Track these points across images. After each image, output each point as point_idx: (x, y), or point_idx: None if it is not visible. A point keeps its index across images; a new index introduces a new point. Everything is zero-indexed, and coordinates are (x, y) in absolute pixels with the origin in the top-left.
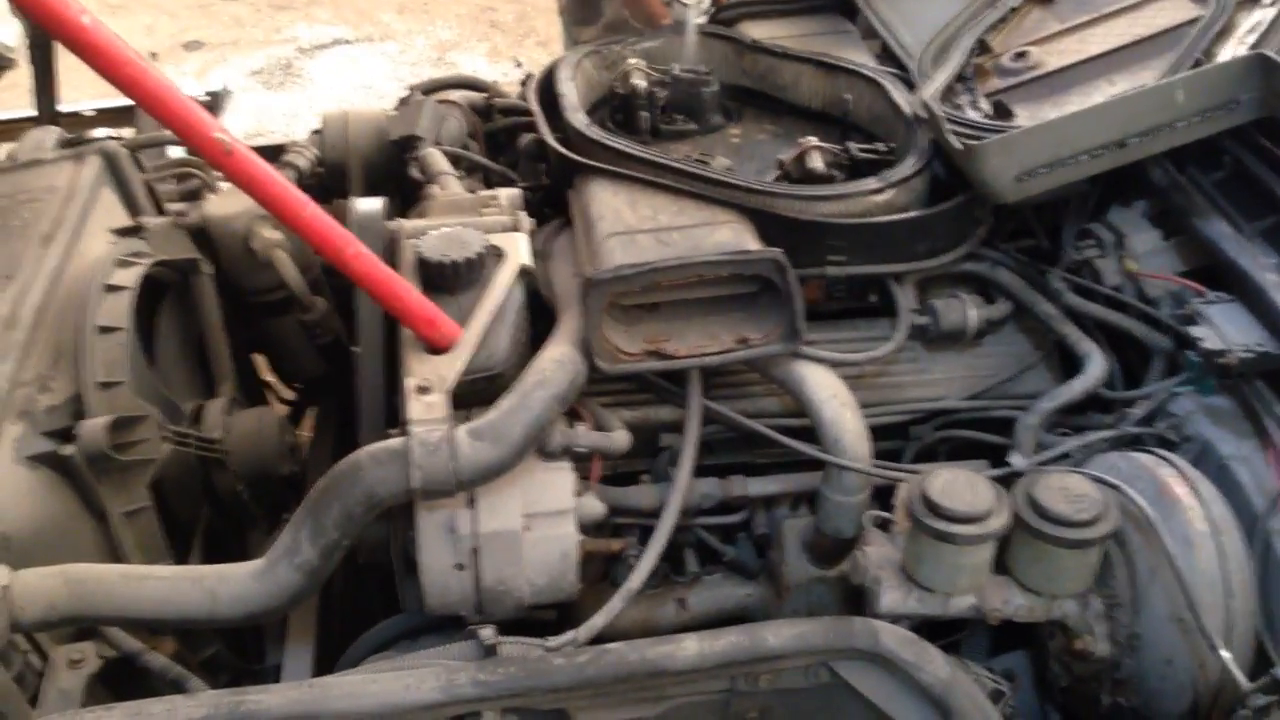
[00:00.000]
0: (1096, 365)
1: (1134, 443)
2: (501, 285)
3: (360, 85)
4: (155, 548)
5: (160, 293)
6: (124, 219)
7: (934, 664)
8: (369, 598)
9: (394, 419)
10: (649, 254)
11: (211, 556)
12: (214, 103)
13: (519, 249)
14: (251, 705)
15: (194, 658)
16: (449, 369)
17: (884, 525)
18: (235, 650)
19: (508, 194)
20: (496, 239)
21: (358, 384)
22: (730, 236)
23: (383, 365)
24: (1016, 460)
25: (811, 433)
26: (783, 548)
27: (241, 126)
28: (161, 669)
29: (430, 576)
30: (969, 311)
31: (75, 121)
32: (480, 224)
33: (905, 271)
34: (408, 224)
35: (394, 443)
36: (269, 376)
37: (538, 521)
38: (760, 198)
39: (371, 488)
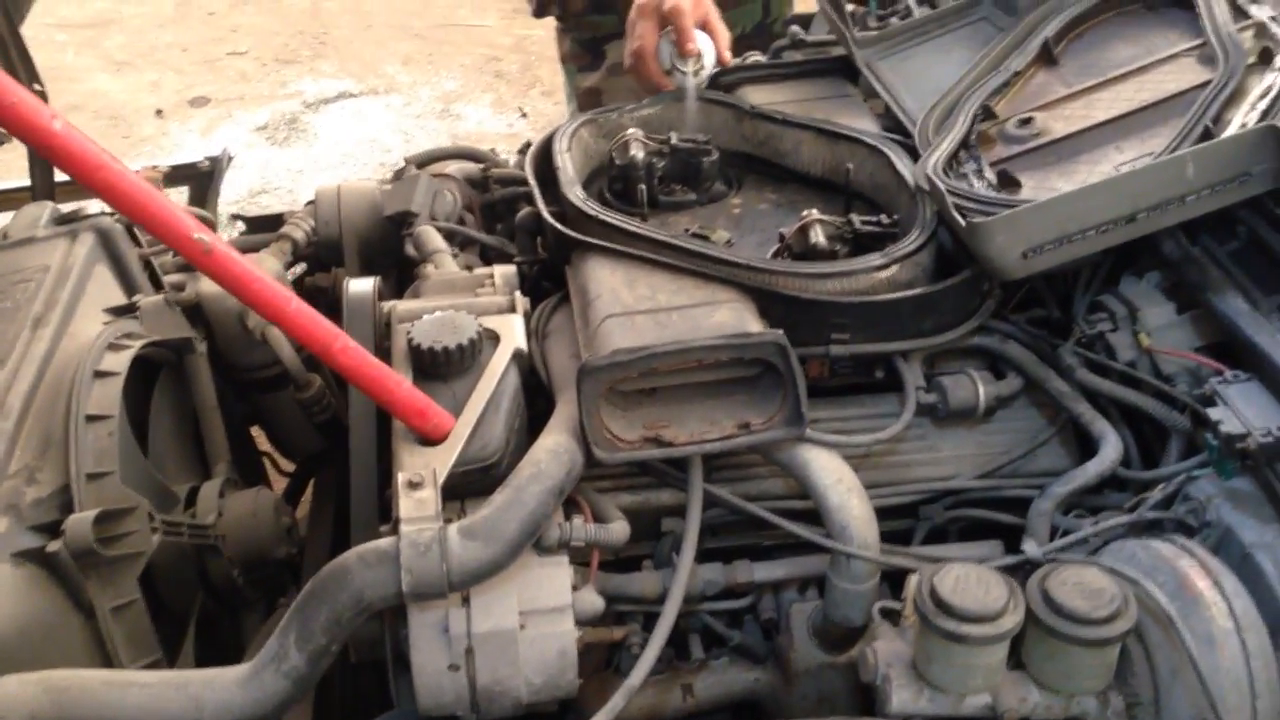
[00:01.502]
0: (1111, 447)
1: (1151, 527)
2: (495, 372)
3: (365, 139)
4: (145, 642)
5: (154, 372)
6: (119, 296)
7: None
8: (365, 691)
9: (387, 512)
10: (647, 336)
11: (205, 643)
12: (214, 168)
13: (514, 332)
14: None
15: None
16: (441, 462)
17: (893, 616)
18: None
19: (502, 272)
20: (491, 322)
21: (350, 477)
22: (730, 317)
23: (375, 458)
24: (1030, 549)
25: (817, 516)
26: (791, 634)
27: (246, 183)
28: None
29: (423, 677)
30: (979, 389)
31: (70, 190)
32: (475, 305)
33: (911, 349)
34: (400, 306)
35: (383, 543)
36: (267, 448)
37: (534, 619)
38: (761, 275)
39: (360, 591)
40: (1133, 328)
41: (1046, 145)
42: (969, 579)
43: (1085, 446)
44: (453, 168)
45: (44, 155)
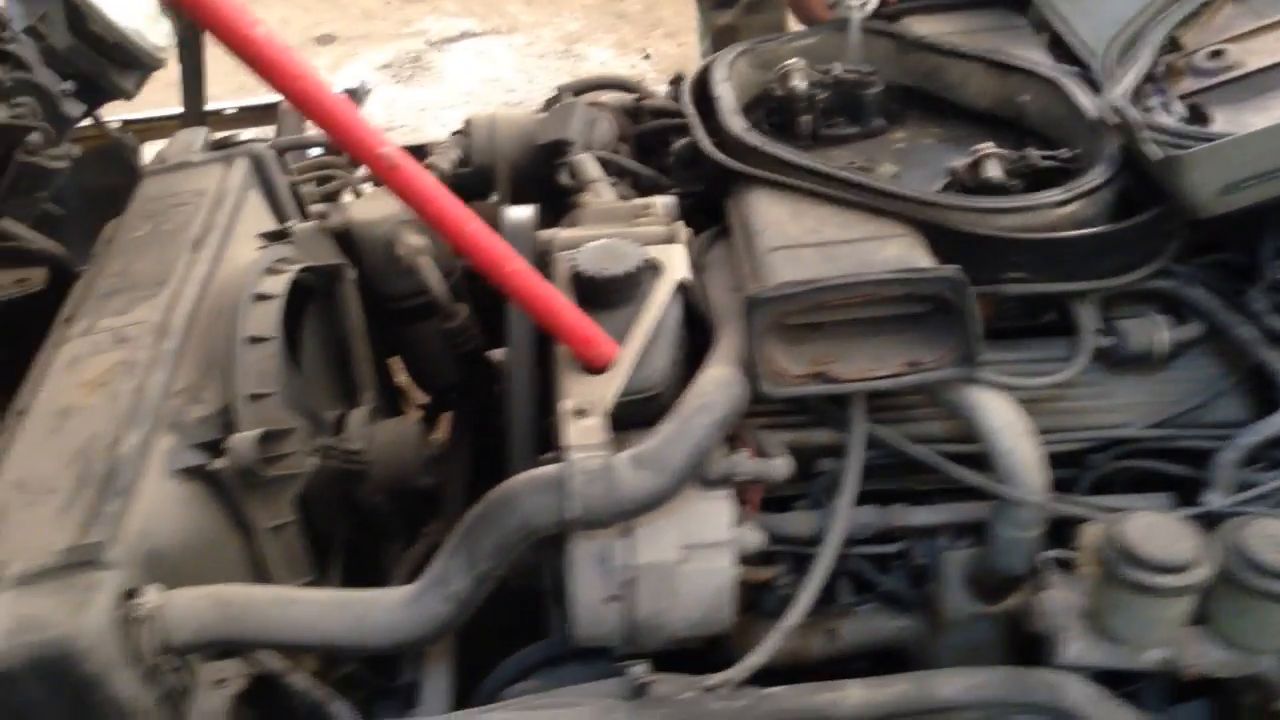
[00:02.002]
0: None
1: None
2: (659, 301)
3: (488, 78)
4: (299, 563)
5: (304, 299)
6: (270, 223)
7: None
8: (507, 618)
9: (545, 442)
10: (815, 270)
11: (348, 570)
12: (352, 99)
13: (677, 262)
14: None
15: (332, 674)
16: (606, 390)
17: (1064, 565)
18: (369, 666)
19: (663, 202)
20: (653, 251)
21: (507, 405)
22: (901, 252)
23: (533, 385)
24: (1213, 500)
25: (979, 460)
26: (943, 581)
27: (371, 120)
28: (304, 690)
29: (581, 608)
30: (1159, 333)
31: (217, 120)
32: (636, 235)
33: (1089, 290)
34: (561, 235)
35: (551, 470)
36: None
37: (695, 553)
38: (933, 210)
39: (527, 517)
40: None
41: (1239, 79)
42: (1157, 527)
43: (1267, 397)
44: (605, 97)
45: (245, 61)
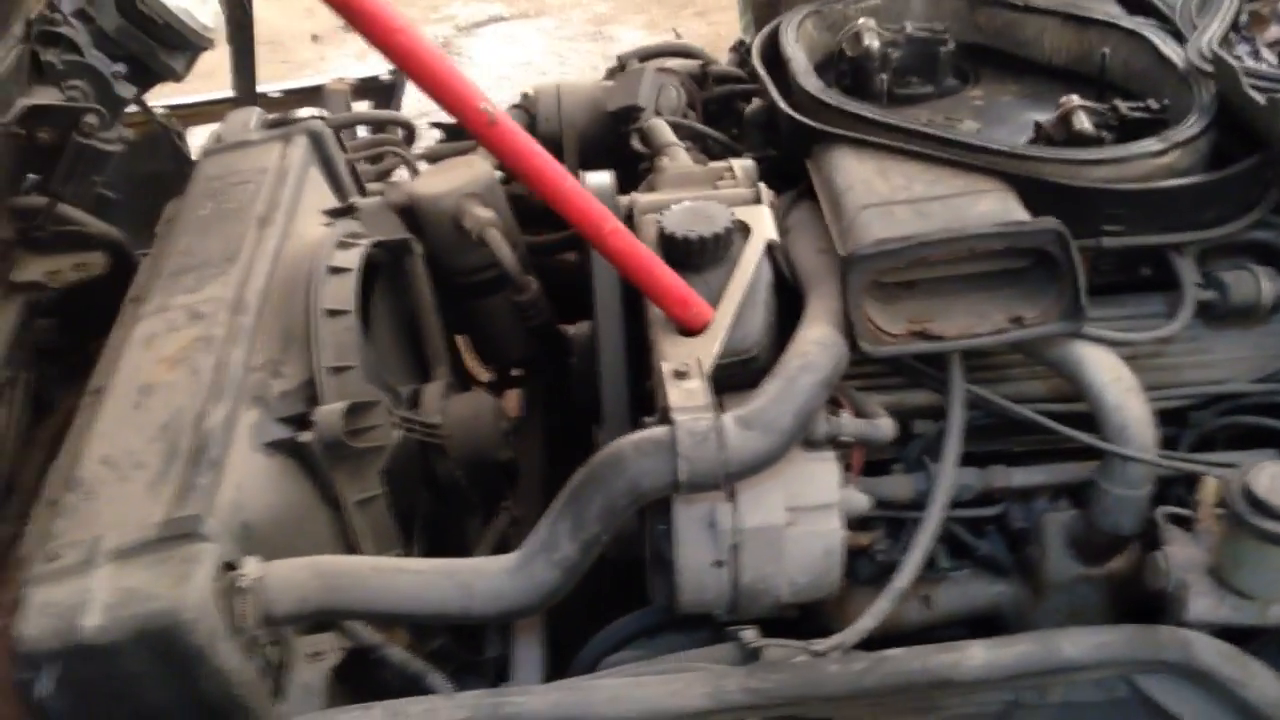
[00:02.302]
0: None
1: None
2: (750, 262)
3: (519, 62)
4: (387, 537)
5: (373, 274)
6: (331, 199)
7: (1260, 681)
8: (595, 588)
9: (638, 407)
10: (909, 227)
11: (430, 545)
12: (395, 80)
13: (765, 222)
14: (513, 708)
15: (421, 648)
16: (706, 352)
17: (1181, 522)
18: (457, 640)
19: (742, 165)
20: (741, 212)
21: (599, 369)
22: (996, 206)
23: (624, 351)
24: None
25: (1079, 419)
26: (1044, 544)
27: (406, 106)
28: (401, 662)
29: (687, 574)
30: (1263, 284)
31: (262, 103)
32: (720, 197)
33: (1189, 242)
34: (642, 198)
35: (658, 432)
36: (467, 358)
37: (802, 516)
38: (1025, 163)
39: (636, 480)
40: None
41: None
42: None
43: None
44: (671, 63)
45: (343, 15)
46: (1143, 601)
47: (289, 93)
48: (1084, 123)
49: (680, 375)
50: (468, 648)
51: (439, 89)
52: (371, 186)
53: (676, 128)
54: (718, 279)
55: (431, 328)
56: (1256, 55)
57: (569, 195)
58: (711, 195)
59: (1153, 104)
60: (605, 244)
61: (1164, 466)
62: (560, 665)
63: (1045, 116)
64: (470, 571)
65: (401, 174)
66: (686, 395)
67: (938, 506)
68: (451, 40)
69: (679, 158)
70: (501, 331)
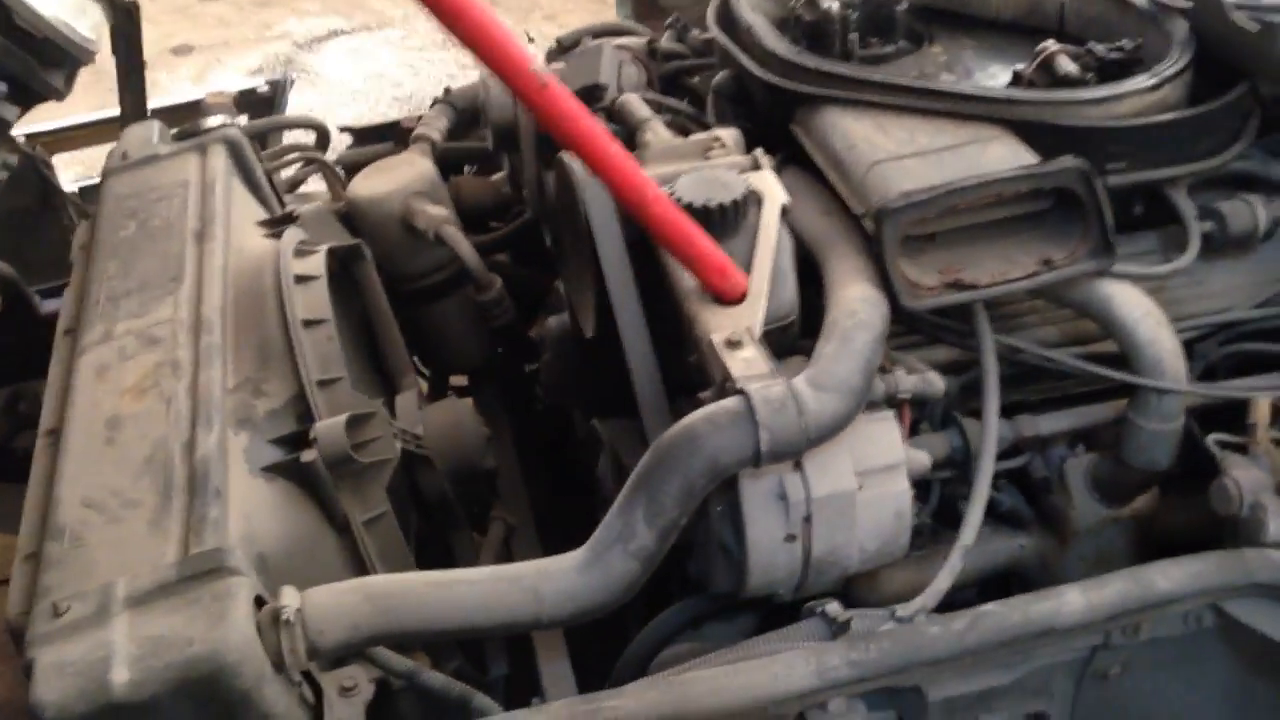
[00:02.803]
0: None
1: None
2: (771, 227)
3: (371, 75)
4: (399, 556)
5: None
6: (257, 209)
7: None
8: None
9: (680, 385)
10: (929, 177)
11: (421, 564)
12: (274, 93)
13: (775, 188)
14: (609, 712)
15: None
16: (752, 319)
17: (1233, 449)
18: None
19: (730, 133)
20: (749, 179)
21: (626, 354)
22: (1006, 151)
23: (647, 331)
24: None
25: (1098, 361)
26: (1069, 489)
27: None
28: (441, 687)
29: (758, 553)
30: (1259, 212)
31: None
32: (724, 166)
33: (1185, 175)
34: None
35: (730, 404)
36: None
37: (871, 479)
38: (1025, 108)
39: (714, 456)
40: None
41: None
42: None
43: None
44: (622, 41)
45: None
46: (1166, 539)
47: (164, 110)
48: (1069, 65)
49: (734, 345)
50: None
51: (490, 49)
52: (287, 197)
53: (646, 104)
54: (738, 247)
55: (392, 336)
56: None
57: (615, 160)
58: (712, 164)
59: (1125, 44)
60: (648, 211)
61: (1202, 395)
62: (611, 669)
63: (1011, 67)
64: (535, 575)
65: (316, 181)
66: (747, 364)
67: (990, 456)
68: (294, 58)
69: (660, 132)
70: (456, 336)
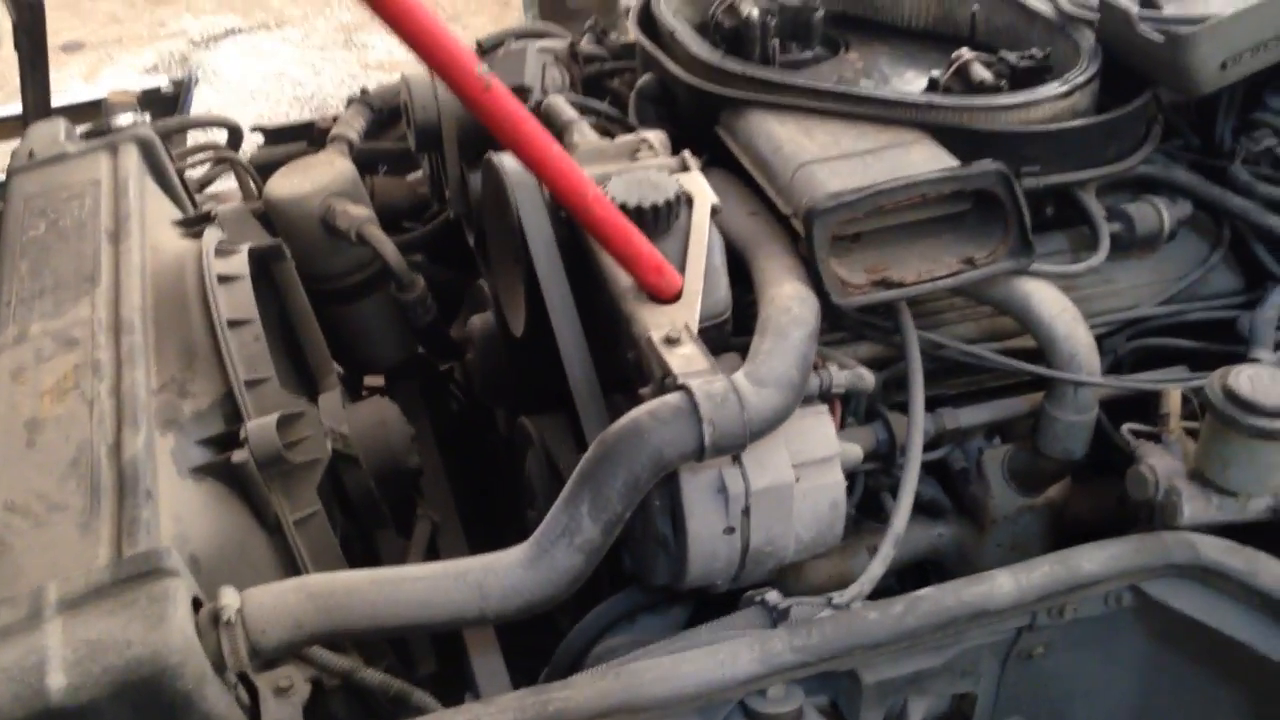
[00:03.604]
0: None
1: None
2: (702, 227)
3: (271, 74)
4: (330, 555)
5: None
6: (171, 209)
7: (1270, 567)
8: None
9: (615, 383)
10: (855, 179)
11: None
12: (178, 92)
13: (704, 188)
14: (560, 703)
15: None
16: (689, 317)
17: (1149, 438)
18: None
19: (657, 135)
20: (680, 180)
21: (562, 351)
22: (927, 155)
23: (582, 331)
24: (1264, 356)
25: (1014, 356)
26: (987, 479)
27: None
28: (381, 685)
29: (699, 544)
30: (1164, 213)
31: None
32: (654, 167)
33: (1094, 178)
34: None
35: (673, 399)
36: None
37: (807, 471)
38: (944, 113)
39: (659, 450)
40: None
41: None
42: (1263, 378)
43: (1254, 265)
44: (545, 44)
45: None
46: (1075, 525)
47: (66, 109)
48: (983, 72)
49: (672, 342)
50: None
51: (434, 50)
52: (198, 196)
53: (571, 106)
54: (671, 246)
55: (314, 336)
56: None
57: (555, 162)
58: (645, 165)
59: (1036, 52)
60: (589, 212)
61: (1116, 388)
62: (544, 666)
63: (925, 74)
64: (481, 570)
65: (226, 181)
66: (686, 361)
67: (917, 449)
68: (190, 55)
69: (587, 133)
70: (375, 335)
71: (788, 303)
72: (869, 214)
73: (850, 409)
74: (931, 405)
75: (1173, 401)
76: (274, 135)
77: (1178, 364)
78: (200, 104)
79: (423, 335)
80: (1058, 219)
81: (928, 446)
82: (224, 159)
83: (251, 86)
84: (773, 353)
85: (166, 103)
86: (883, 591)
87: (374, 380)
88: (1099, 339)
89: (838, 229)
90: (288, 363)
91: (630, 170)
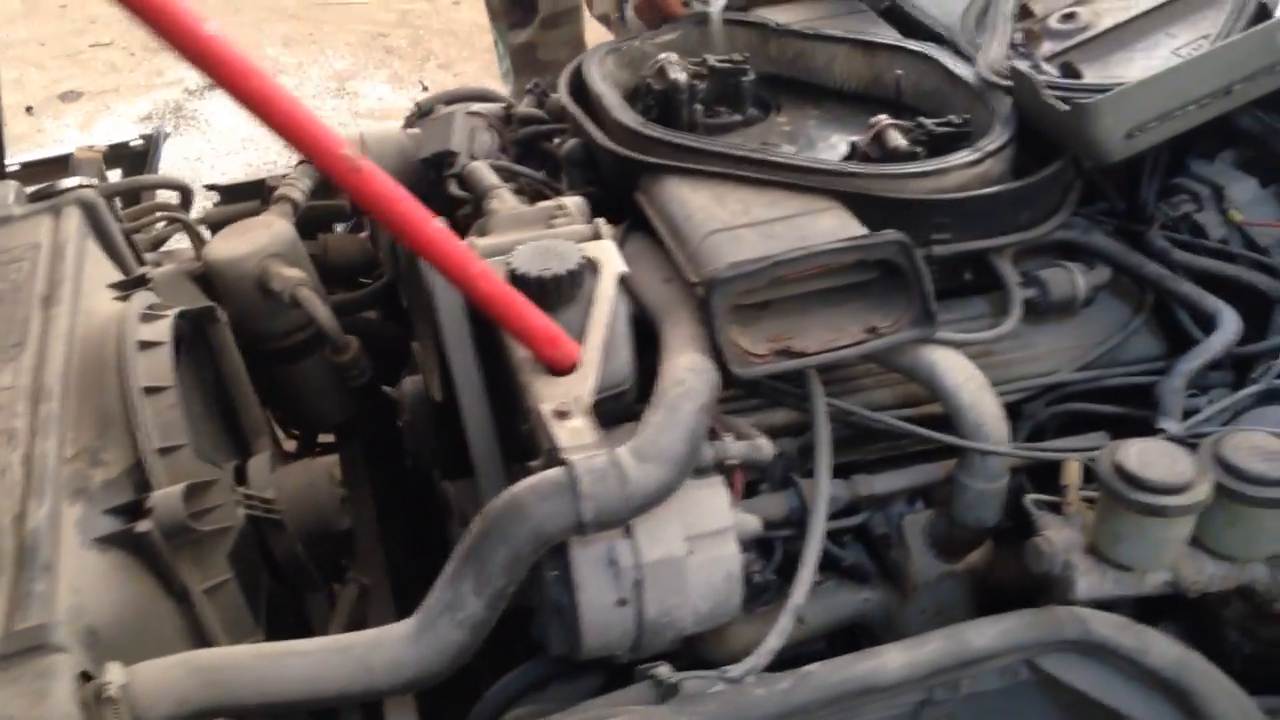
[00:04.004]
0: (1230, 321)
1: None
2: (606, 297)
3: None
4: (242, 624)
5: (176, 347)
6: (113, 272)
7: (1159, 645)
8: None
9: (514, 453)
10: (759, 248)
11: (272, 629)
12: (147, 147)
13: (613, 257)
14: None
15: None
16: (582, 389)
17: (1048, 508)
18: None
19: (574, 201)
20: (585, 248)
21: (463, 420)
22: (835, 223)
23: (485, 398)
24: (1170, 426)
25: (926, 422)
26: (907, 545)
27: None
28: None
29: (590, 616)
30: (1077, 279)
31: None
32: (562, 235)
33: (1007, 245)
34: (480, 242)
35: (554, 474)
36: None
37: (700, 543)
38: (857, 180)
39: (539, 525)
40: (1219, 205)
41: (1096, 37)
42: (1152, 452)
43: (1176, 330)
44: (477, 107)
45: (194, 62)
46: (999, 590)
47: (32, 164)
48: (898, 139)
49: (562, 415)
50: None
51: (298, 134)
52: (149, 256)
53: (495, 170)
54: (574, 316)
55: (247, 398)
56: (1038, 69)
57: (434, 238)
58: (553, 234)
59: (954, 119)
60: (474, 287)
61: (1022, 457)
62: None
63: (851, 138)
64: (366, 645)
65: (180, 240)
66: (574, 434)
67: (820, 518)
68: (185, 104)
69: (507, 199)
70: (316, 395)
71: (681, 374)
72: (770, 284)
73: (767, 476)
74: (850, 470)
75: (1071, 473)
76: (228, 193)
77: (1100, 429)
78: (191, 153)
79: (359, 396)
80: (979, 284)
81: (844, 512)
82: (174, 219)
83: (242, 134)
84: (660, 426)
85: (135, 158)
86: (813, 656)
87: (328, 438)
88: (1017, 404)
89: (741, 298)
90: (221, 425)
91: (539, 239)
